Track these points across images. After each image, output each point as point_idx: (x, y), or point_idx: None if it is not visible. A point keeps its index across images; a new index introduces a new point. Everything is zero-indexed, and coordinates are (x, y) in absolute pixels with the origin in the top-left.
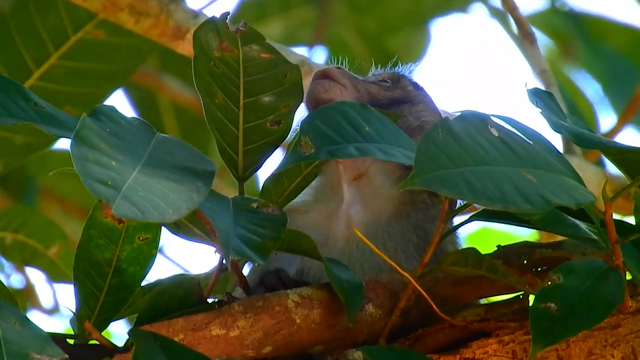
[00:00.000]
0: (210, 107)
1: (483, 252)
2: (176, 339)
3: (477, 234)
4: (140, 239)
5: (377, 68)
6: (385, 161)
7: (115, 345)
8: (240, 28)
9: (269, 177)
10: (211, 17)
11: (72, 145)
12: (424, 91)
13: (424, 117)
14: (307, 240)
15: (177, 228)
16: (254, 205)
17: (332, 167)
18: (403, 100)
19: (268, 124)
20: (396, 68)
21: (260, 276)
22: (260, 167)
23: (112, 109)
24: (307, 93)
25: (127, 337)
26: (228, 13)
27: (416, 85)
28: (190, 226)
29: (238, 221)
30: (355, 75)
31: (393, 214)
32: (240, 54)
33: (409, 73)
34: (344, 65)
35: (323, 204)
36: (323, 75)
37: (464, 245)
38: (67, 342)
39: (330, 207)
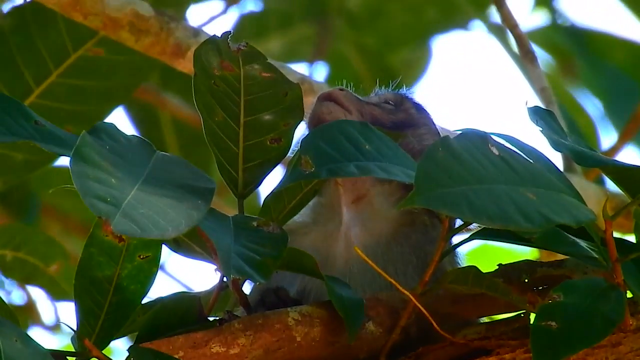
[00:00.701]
0: (209, 125)
1: (484, 269)
2: (176, 357)
3: (477, 251)
4: (141, 257)
5: (380, 88)
6: (385, 183)
7: None
8: (242, 47)
9: (269, 194)
10: (212, 36)
11: (71, 162)
12: (427, 113)
13: (427, 140)
14: (308, 259)
15: (178, 246)
16: (254, 223)
17: (331, 188)
18: (406, 124)
19: (268, 142)
20: (400, 89)
21: (260, 294)
22: (260, 184)
23: (112, 126)
24: (311, 114)
25: (127, 354)
26: (230, 32)
27: (419, 108)
28: (191, 244)
29: (239, 240)
30: (359, 97)
31: (393, 235)
32: (241, 72)
33: (412, 94)
34: (346, 87)
35: (322, 225)
36: (327, 97)
37: (464, 264)
38: (67, 359)
39: (329, 229)
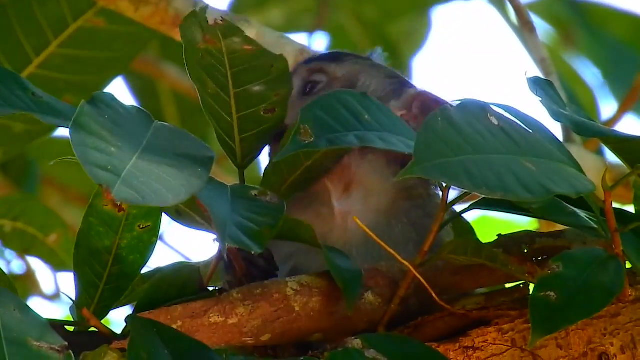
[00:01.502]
0: (204, 97)
1: (483, 240)
2: (174, 326)
3: (477, 222)
4: (141, 227)
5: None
6: (371, 161)
7: (114, 332)
8: (219, 22)
9: (268, 165)
10: (192, 11)
11: (71, 131)
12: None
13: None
14: (306, 228)
15: (179, 215)
16: (253, 193)
17: (319, 188)
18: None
19: (262, 112)
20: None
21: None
22: (259, 154)
23: (111, 96)
24: None
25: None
26: (207, 6)
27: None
28: (192, 213)
29: (236, 209)
30: None
31: (390, 212)
32: (223, 46)
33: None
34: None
35: (318, 221)
36: None
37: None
38: (65, 329)
39: (324, 221)
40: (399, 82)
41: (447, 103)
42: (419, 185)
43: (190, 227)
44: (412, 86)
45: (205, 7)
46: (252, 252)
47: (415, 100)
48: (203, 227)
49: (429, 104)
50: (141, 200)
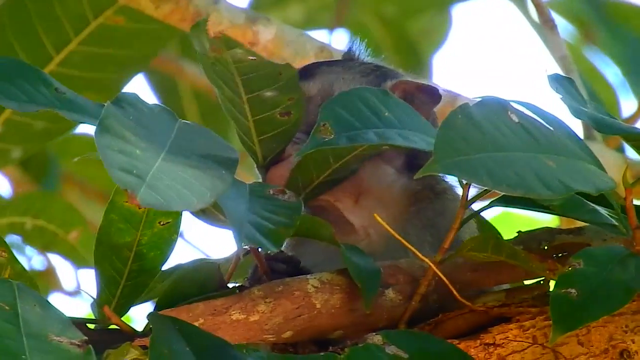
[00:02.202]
0: (223, 99)
1: (504, 237)
2: (196, 324)
3: (498, 218)
4: (161, 223)
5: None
6: (378, 169)
7: (135, 330)
8: (220, 37)
9: (295, 166)
10: (196, 22)
11: (96, 134)
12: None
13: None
14: (325, 227)
15: (203, 213)
16: (271, 191)
17: (326, 206)
18: None
19: (278, 115)
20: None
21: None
22: (281, 154)
23: (135, 96)
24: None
25: (146, 321)
26: (205, 20)
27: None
28: (215, 212)
29: (252, 208)
30: None
31: (402, 218)
32: (228, 56)
33: None
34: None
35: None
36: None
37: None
38: (87, 326)
39: (348, 238)
40: (376, 76)
41: (429, 85)
42: (425, 188)
43: (213, 225)
44: (392, 76)
45: (206, 19)
46: (269, 252)
47: (395, 90)
48: (226, 224)
49: (409, 90)
50: (166, 205)
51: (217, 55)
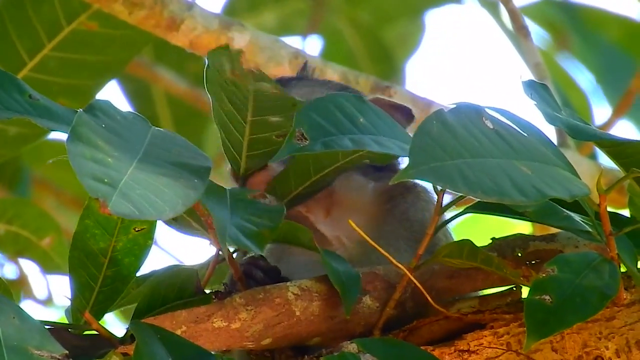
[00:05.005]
0: (219, 112)
1: (476, 239)
2: (178, 331)
3: (468, 221)
4: (136, 229)
5: None
6: (346, 177)
7: (114, 336)
8: (254, 70)
9: (275, 176)
10: (226, 47)
11: (68, 142)
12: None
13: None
14: (304, 232)
15: (174, 221)
16: (251, 196)
17: (302, 220)
18: None
19: (274, 137)
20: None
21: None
22: (262, 167)
23: (108, 103)
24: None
25: (119, 327)
26: (242, 52)
27: None
28: (188, 219)
29: (235, 210)
30: None
31: (376, 218)
32: (250, 87)
33: None
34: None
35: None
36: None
37: (455, 237)
38: (69, 332)
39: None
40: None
41: (401, 105)
42: (398, 185)
43: (186, 234)
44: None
45: (241, 52)
46: (253, 255)
47: None
48: (197, 233)
49: (383, 108)
50: (138, 214)
51: (234, 79)
